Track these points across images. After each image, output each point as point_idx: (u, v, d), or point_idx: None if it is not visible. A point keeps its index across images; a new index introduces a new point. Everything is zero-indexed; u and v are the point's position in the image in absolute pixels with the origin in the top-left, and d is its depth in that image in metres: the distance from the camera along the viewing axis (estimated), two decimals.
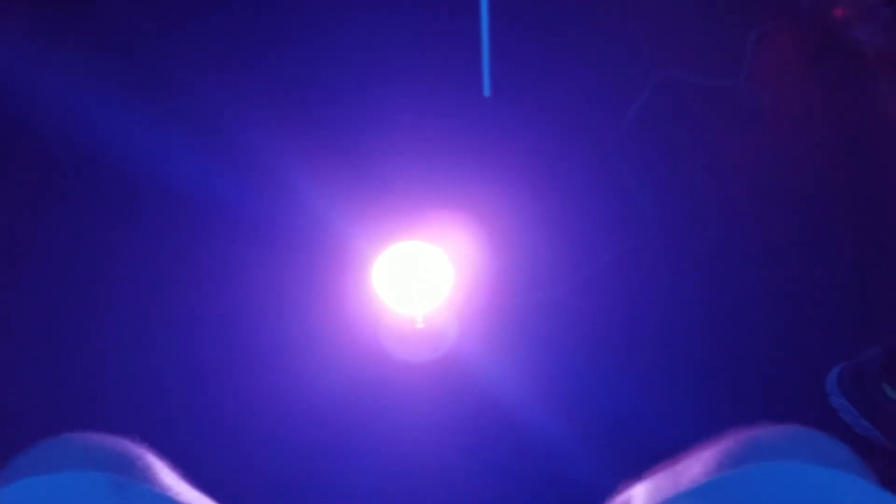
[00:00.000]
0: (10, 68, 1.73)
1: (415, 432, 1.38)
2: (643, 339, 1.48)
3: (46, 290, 1.53)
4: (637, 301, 1.53)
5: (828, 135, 1.71)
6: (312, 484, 1.34)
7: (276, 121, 1.69)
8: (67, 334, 1.48)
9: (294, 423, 1.38)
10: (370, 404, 1.41)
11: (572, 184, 1.64)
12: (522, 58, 1.78)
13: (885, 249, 1.58)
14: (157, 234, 1.59)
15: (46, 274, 1.54)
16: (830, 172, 1.66)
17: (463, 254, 1.49)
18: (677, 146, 1.70)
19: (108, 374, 1.44)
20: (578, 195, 1.63)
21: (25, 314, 1.50)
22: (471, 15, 1.62)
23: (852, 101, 1.75)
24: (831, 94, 1.76)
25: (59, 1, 1.84)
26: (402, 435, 1.38)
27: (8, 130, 1.68)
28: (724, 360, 1.47)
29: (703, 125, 1.72)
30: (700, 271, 1.56)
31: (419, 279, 1.36)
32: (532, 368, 1.44)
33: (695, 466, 0.72)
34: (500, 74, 1.70)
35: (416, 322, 1.43)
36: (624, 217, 1.61)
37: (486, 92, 1.71)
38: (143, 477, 0.71)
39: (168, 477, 0.75)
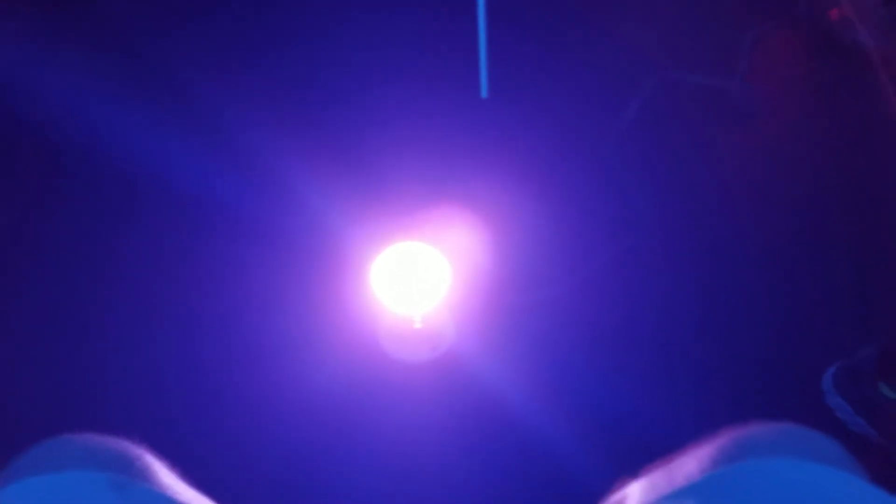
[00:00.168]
0: (11, 68, 1.74)
1: (413, 432, 1.39)
2: (641, 338, 1.49)
3: (46, 290, 1.53)
4: (635, 300, 1.53)
5: (825, 134, 1.71)
6: (311, 483, 1.35)
7: (275, 121, 1.69)
8: (67, 334, 1.48)
9: (292, 423, 1.39)
10: (369, 404, 1.41)
11: (570, 184, 1.65)
12: (520, 59, 1.78)
13: (882, 249, 1.58)
14: (157, 234, 1.59)
15: (47, 274, 1.54)
16: (828, 172, 1.67)
17: (461, 254, 1.50)
18: (675, 146, 1.70)
19: (108, 374, 1.44)
20: (576, 195, 1.64)
21: (26, 314, 1.50)
22: (468, 16, 1.63)
23: (849, 100, 1.75)
24: (828, 94, 1.76)
25: (60, 1, 1.84)
26: (401, 434, 1.38)
27: (9, 130, 1.68)
28: (721, 359, 1.47)
29: (700, 125, 1.73)
30: (698, 271, 1.56)
31: (417, 279, 1.36)
32: (530, 368, 1.45)
33: (690, 464, 0.72)
34: (498, 75, 1.70)
35: (415, 322, 1.44)
36: (622, 217, 1.61)
37: (484, 93, 1.72)
38: (143, 477, 0.71)
39: (167, 477, 0.75)
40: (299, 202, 1.60)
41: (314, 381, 1.42)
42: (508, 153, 1.68)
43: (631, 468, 0.83)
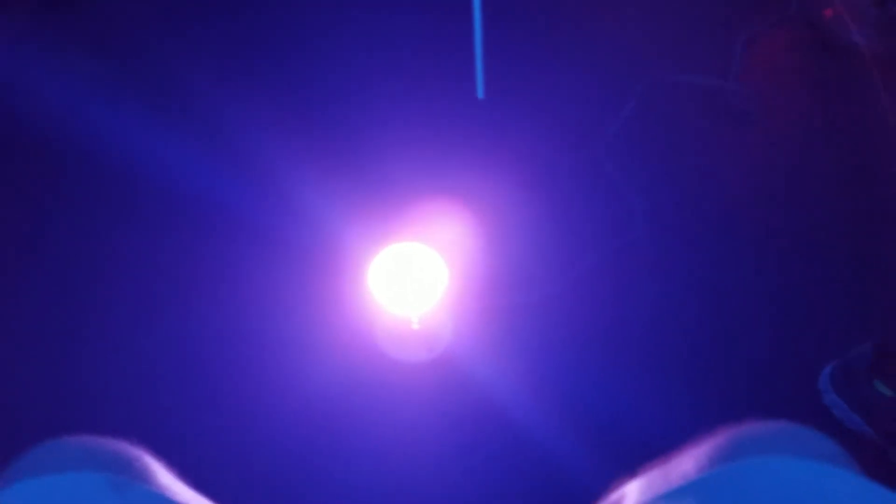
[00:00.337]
0: (11, 69, 1.74)
1: (410, 432, 1.39)
2: (636, 338, 1.49)
3: (46, 290, 1.53)
4: (629, 301, 1.54)
5: (819, 134, 1.72)
6: (309, 483, 1.35)
7: (272, 122, 1.69)
8: (66, 335, 1.48)
9: (290, 423, 1.39)
10: (366, 405, 1.41)
11: (565, 184, 1.65)
12: (516, 59, 1.78)
13: (878, 247, 1.59)
14: (155, 234, 1.59)
15: (46, 274, 1.54)
16: (821, 172, 1.67)
17: (457, 255, 1.50)
18: (668, 147, 1.71)
19: (107, 375, 1.44)
20: (571, 196, 1.64)
21: (25, 315, 1.50)
22: (464, 17, 1.63)
23: (843, 100, 1.76)
24: (822, 94, 1.77)
25: (60, 3, 1.84)
26: (398, 434, 1.39)
27: (9, 131, 1.68)
28: (717, 358, 1.48)
29: (694, 126, 1.73)
30: (692, 270, 1.57)
31: (414, 280, 1.36)
32: (526, 368, 1.45)
33: (686, 463, 0.73)
34: (494, 76, 1.71)
35: (412, 322, 1.44)
36: (617, 217, 1.62)
37: (480, 93, 1.72)
38: (142, 477, 0.72)
39: (166, 477, 0.76)
40: (296, 203, 1.60)
41: (312, 381, 1.43)
42: (504, 153, 1.68)
43: (628, 468, 0.84)
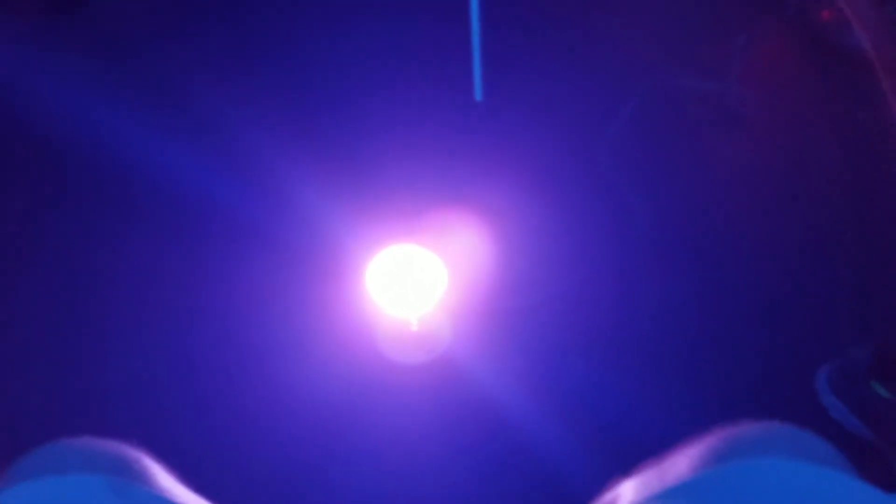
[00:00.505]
0: (13, 71, 1.74)
1: (410, 433, 1.39)
2: (634, 338, 1.50)
3: (47, 292, 1.53)
4: (628, 302, 1.54)
5: (819, 136, 1.72)
6: (309, 484, 1.35)
7: (271, 124, 1.69)
8: (66, 338, 1.48)
9: (290, 425, 1.39)
10: (365, 406, 1.42)
11: (564, 186, 1.65)
12: (514, 62, 1.78)
13: (876, 248, 1.59)
14: (156, 237, 1.59)
15: (47, 276, 1.55)
16: (820, 174, 1.67)
17: (456, 256, 1.51)
18: (668, 149, 1.71)
19: (107, 377, 1.44)
20: (570, 198, 1.64)
21: (25, 317, 1.51)
22: (462, 19, 1.63)
23: (842, 102, 1.76)
24: (820, 96, 1.77)
25: (61, 5, 1.85)
26: (397, 436, 1.39)
27: (11, 132, 1.69)
28: (715, 359, 1.48)
29: (693, 128, 1.73)
30: (691, 272, 1.57)
31: (413, 282, 1.37)
32: (524, 370, 1.46)
33: (681, 463, 0.73)
34: (492, 78, 1.71)
35: (411, 324, 1.44)
36: (616, 219, 1.62)
37: (478, 96, 1.72)
38: (142, 479, 0.72)
39: (166, 480, 0.76)
40: (296, 205, 1.60)
41: (311, 383, 1.43)
42: (503, 155, 1.68)
43: (625, 468, 0.84)
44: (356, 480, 1.36)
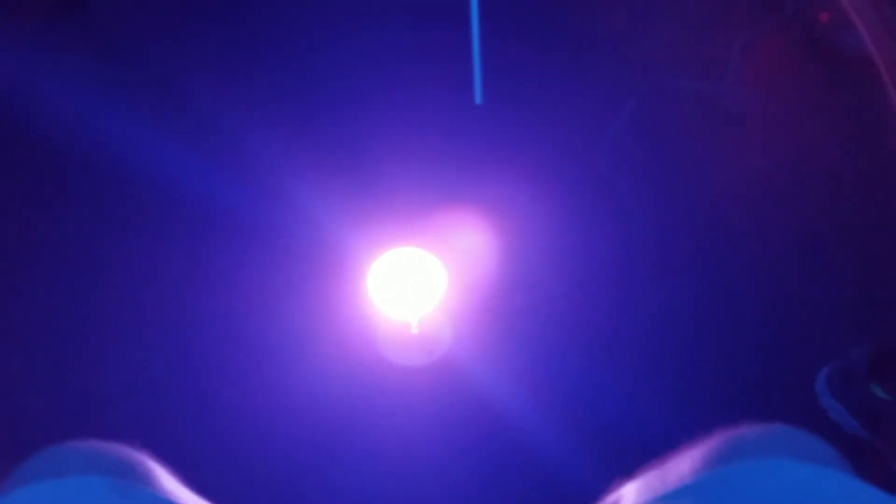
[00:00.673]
0: (14, 73, 1.74)
1: (409, 435, 1.39)
2: (634, 340, 1.50)
3: (47, 294, 1.53)
4: (628, 304, 1.54)
5: (816, 137, 1.72)
6: (309, 486, 1.35)
7: (272, 128, 1.69)
8: (68, 340, 1.48)
9: (290, 427, 1.39)
10: (365, 408, 1.42)
11: (563, 188, 1.65)
12: (513, 64, 1.78)
13: (875, 250, 1.59)
14: (156, 239, 1.59)
15: (47, 278, 1.55)
16: (818, 175, 1.67)
17: (456, 258, 1.51)
18: (667, 150, 1.71)
19: (109, 380, 1.44)
20: (570, 199, 1.64)
21: (26, 319, 1.51)
22: (462, 23, 1.64)
23: (840, 103, 1.76)
24: (819, 97, 1.77)
25: (62, 6, 1.85)
26: (397, 439, 1.39)
27: (11, 134, 1.69)
28: (715, 361, 1.48)
29: (692, 129, 1.73)
30: (691, 274, 1.57)
31: (413, 284, 1.37)
32: (525, 371, 1.46)
33: (682, 465, 0.73)
34: (492, 81, 1.71)
35: (411, 326, 1.44)
36: (615, 220, 1.62)
37: (478, 99, 1.72)
38: (145, 481, 0.72)
39: (168, 482, 0.76)
40: (295, 208, 1.60)
41: (312, 384, 1.43)
42: (503, 158, 1.68)
43: (626, 469, 0.84)
44: (357, 483, 1.36)
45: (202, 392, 1.43)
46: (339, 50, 1.82)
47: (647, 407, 1.42)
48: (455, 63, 1.72)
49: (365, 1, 1.90)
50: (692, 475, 0.71)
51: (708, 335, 1.50)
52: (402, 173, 1.63)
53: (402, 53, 1.81)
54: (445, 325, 1.49)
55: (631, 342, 1.50)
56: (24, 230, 1.60)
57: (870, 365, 1.34)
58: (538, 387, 1.44)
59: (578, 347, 1.49)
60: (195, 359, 1.47)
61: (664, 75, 1.77)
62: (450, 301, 1.45)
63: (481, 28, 1.63)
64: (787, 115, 1.75)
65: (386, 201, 1.60)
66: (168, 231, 1.60)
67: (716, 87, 1.77)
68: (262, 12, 1.87)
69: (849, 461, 0.74)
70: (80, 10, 1.85)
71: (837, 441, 0.74)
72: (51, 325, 1.50)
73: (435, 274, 1.38)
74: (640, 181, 1.66)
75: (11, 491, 0.67)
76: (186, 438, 1.36)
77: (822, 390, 1.40)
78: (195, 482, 0.82)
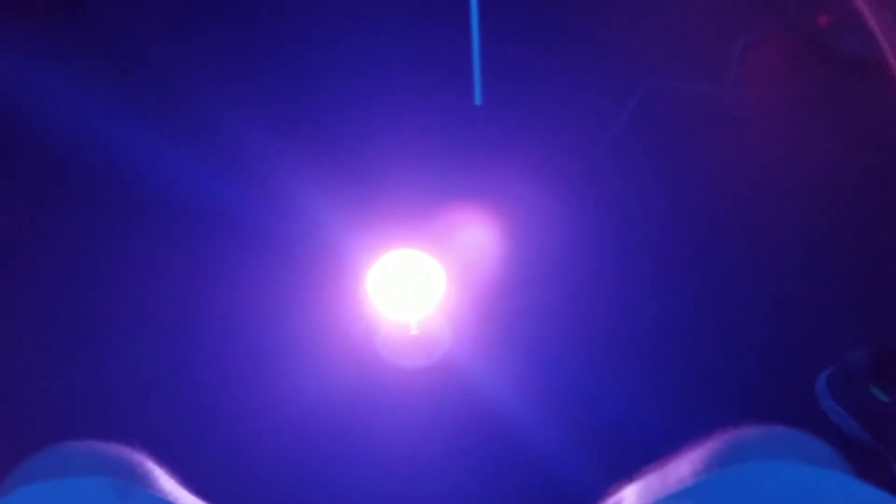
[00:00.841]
0: (12, 75, 1.74)
1: (409, 437, 1.39)
2: (635, 342, 1.49)
3: (47, 295, 1.53)
4: (628, 305, 1.54)
5: (815, 140, 1.72)
6: (309, 488, 1.35)
7: (272, 129, 1.69)
8: (68, 341, 1.48)
9: (289, 430, 1.39)
10: (365, 410, 1.41)
11: (563, 190, 1.65)
12: (513, 66, 1.79)
13: (875, 252, 1.59)
14: (155, 241, 1.59)
15: (46, 279, 1.55)
16: (818, 177, 1.68)
17: (456, 260, 1.50)
18: (666, 152, 1.71)
19: (108, 381, 1.44)
20: (569, 201, 1.64)
21: (26, 320, 1.50)
22: (461, 23, 1.64)
23: (839, 106, 1.77)
24: (819, 100, 1.77)
25: (61, 10, 1.85)
26: (397, 440, 1.39)
27: (9, 136, 1.68)
28: (715, 363, 1.48)
29: (692, 131, 1.74)
30: (690, 276, 1.57)
31: (413, 286, 1.37)
32: (525, 373, 1.45)
33: (683, 467, 0.73)
34: (491, 82, 1.71)
35: (410, 328, 1.44)
36: (615, 221, 1.62)
37: (478, 100, 1.72)
38: (145, 482, 0.72)
39: (167, 483, 0.76)
40: (294, 209, 1.60)
41: (312, 386, 1.43)
42: (502, 159, 1.68)
43: (626, 470, 0.84)
44: (357, 484, 1.36)
45: (202, 393, 1.42)
46: (339, 50, 1.82)
47: (647, 408, 1.42)
48: (454, 64, 1.72)
49: (365, 1, 1.90)
50: (693, 477, 0.70)
51: (708, 335, 1.50)
52: (402, 174, 1.63)
53: (401, 54, 1.81)
54: (445, 327, 1.49)
55: (631, 343, 1.50)
56: (23, 230, 1.60)
57: (870, 367, 1.34)
58: (538, 388, 1.44)
59: (578, 348, 1.49)
60: (194, 360, 1.46)
61: (664, 77, 1.77)
62: (449, 302, 1.45)
63: (481, 29, 1.63)
64: (786, 117, 1.75)
65: (385, 202, 1.60)
66: (168, 231, 1.60)
67: (715, 88, 1.77)
68: (263, 13, 1.87)
69: (849, 464, 0.73)
70: (80, 10, 1.85)
71: (837, 444, 0.74)
72: (51, 325, 1.50)
73: (434, 275, 1.37)
74: (640, 182, 1.66)
75: (10, 491, 0.67)
76: (186, 439, 1.36)
77: (822, 392, 1.40)
78: (194, 483, 0.81)
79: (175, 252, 1.58)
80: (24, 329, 1.50)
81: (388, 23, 1.86)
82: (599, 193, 1.65)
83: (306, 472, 1.36)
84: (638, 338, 1.50)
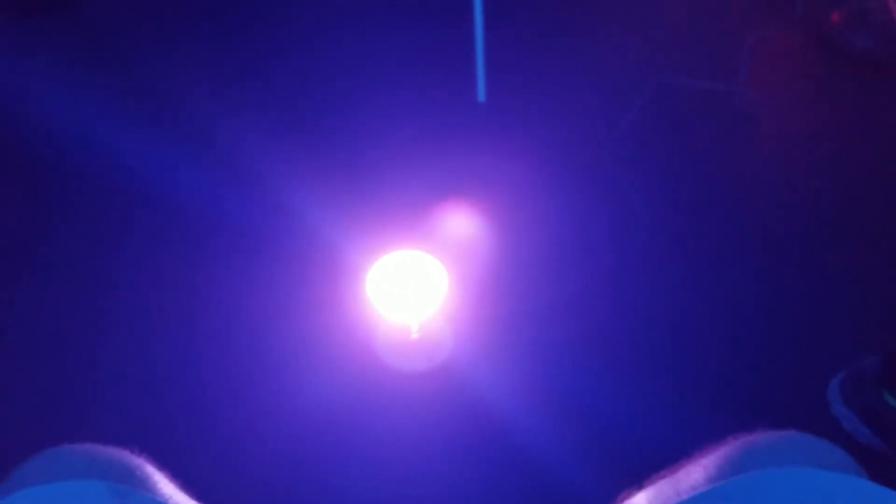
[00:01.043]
0: (5, 78, 1.74)
1: (409, 440, 1.38)
2: (640, 347, 1.49)
3: (47, 300, 1.53)
4: (634, 309, 1.53)
5: (824, 139, 1.72)
6: (309, 491, 1.34)
7: (271, 131, 1.69)
8: (68, 344, 1.48)
9: (290, 433, 1.38)
10: (366, 413, 1.41)
11: (568, 190, 1.65)
12: (518, 63, 1.78)
13: (888, 256, 1.58)
14: (155, 244, 1.59)
15: (46, 284, 1.54)
16: (827, 176, 1.67)
17: (457, 262, 1.50)
18: (674, 151, 1.71)
19: (108, 384, 1.44)
20: (574, 201, 1.64)
21: (26, 324, 1.50)
22: (465, 21, 1.63)
23: (849, 105, 1.76)
24: (828, 99, 1.77)
25: (56, 13, 1.85)
26: (397, 444, 1.38)
27: (6, 141, 1.68)
28: (725, 368, 1.47)
29: (700, 130, 1.73)
30: (698, 277, 1.56)
31: (413, 288, 1.36)
32: (526, 376, 1.45)
33: (695, 473, 0.72)
34: (495, 80, 1.71)
35: (411, 331, 1.44)
36: (621, 222, 1.62)
37: (482, 97, 1.72)
38: (144, 486, 0.72)
39: (167, 487, 0.76)
40: (294, 211, 1.60)
41: (311, 389, 1.42)
42: (506, 158, 1.68)
43: (633, 477, 0.83)
44: (358, 487, 1.35)
45: (201, 397, 1.42)
46: (339, 50, 1.82)
47: (649, 410, 1.41)
48: (458, 62, 1.71)
49: (366, 1, 1.89)
50: (706, 483, 0.70)
51: (716, 340, 1.49)
52: (404, 174, 1.63)
53: (404, 52, 1.81)
54: (446, 329, 1.48)
55: (637, 348, 1.49)
56: (20, 233, 1.60)
57: (883, 372, 1.32)
58: (539, 391, 1.43)
59: (582, 351, 1.48)
60: (194, 363, 1.46)
61: (672, 74, 1.77)
62: (450, 304, 1.44)
63: (485, 26, 1.62)
64: (796, 116, 1.75)
65: (386, 203, 1.60)
66: (166, 234, 1.60)
67: (724, 87, 1.76)
68: (261, 13, 1.87)
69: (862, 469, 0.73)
70: (75, 11, 1.85)
71: (848, 450, 0.73)
72: (51, 328, 1.49)
73: (435, 277, 1.36)
74: (646, 182, 1.65)
75: (9, 493, 0.66)
76: (185, 443, 1.36)
77: (833, 398, 1.38)
78: (194, 487, 0.81)
79: (174, 254, 1.58)
80: (23, 330, 1.49)
81: (390, 21, 1.86)
82: (605, 193, 1.64)
83: (307, 476, 1.36)
84: (642, 341, 1.49)
